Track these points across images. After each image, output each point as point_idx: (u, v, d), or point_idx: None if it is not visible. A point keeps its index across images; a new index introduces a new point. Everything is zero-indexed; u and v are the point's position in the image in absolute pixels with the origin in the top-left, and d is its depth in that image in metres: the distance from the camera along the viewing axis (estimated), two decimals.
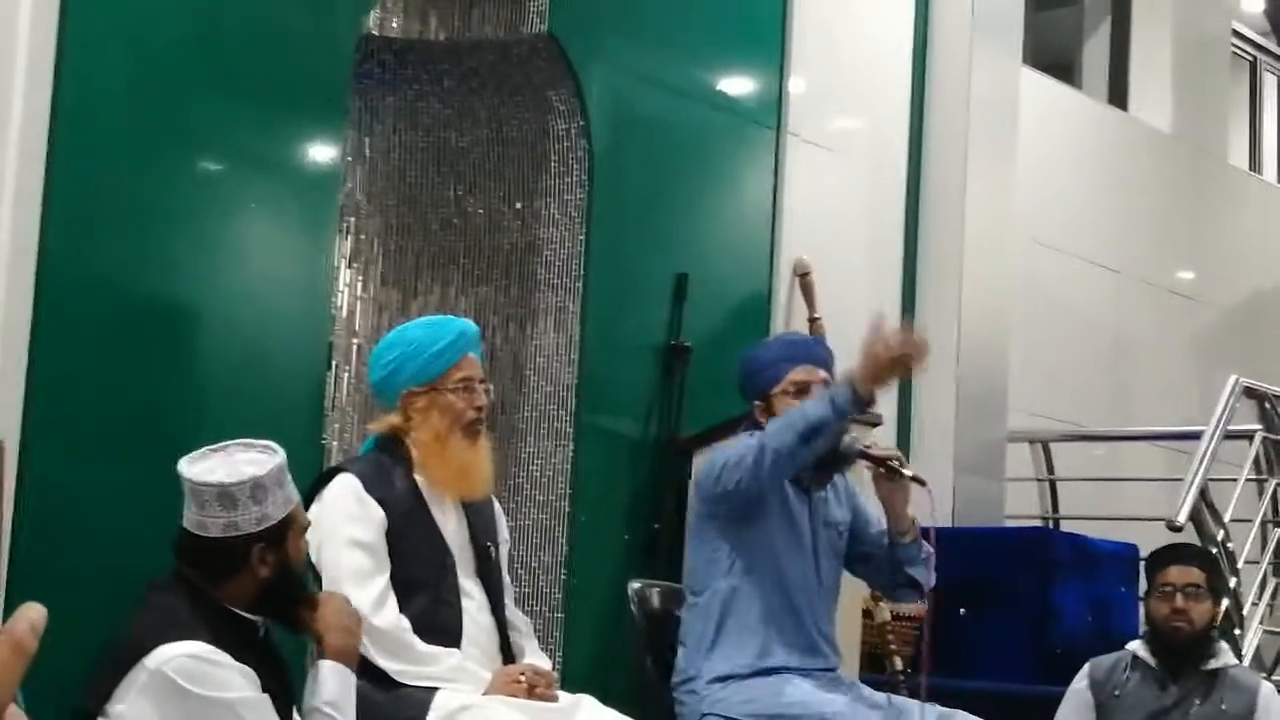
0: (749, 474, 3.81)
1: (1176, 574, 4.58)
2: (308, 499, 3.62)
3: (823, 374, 4.09)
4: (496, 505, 3.86)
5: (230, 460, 3.14)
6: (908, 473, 3.87)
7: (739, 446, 3.90)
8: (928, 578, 3.98)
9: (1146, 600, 4.67)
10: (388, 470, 3.62)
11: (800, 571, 4.02)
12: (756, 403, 4.14)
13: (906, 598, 4.22)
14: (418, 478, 3.64)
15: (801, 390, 4.04)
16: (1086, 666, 4.69)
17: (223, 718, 2.95)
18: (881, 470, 3.91)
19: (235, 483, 3.08)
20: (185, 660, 2.96)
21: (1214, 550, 6.07)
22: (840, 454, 3.93)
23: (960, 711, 3.86)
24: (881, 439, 5.82)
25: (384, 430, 3.69)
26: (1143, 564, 4.81)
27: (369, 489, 3.55)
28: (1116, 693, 4.59)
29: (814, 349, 4.23)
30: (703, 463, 4.15)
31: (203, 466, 3.13)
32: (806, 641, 3.99)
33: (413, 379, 3.63)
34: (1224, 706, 4.48)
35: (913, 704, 3.94)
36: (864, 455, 3.92)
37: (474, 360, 3.71)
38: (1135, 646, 4.66)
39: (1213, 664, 4.55)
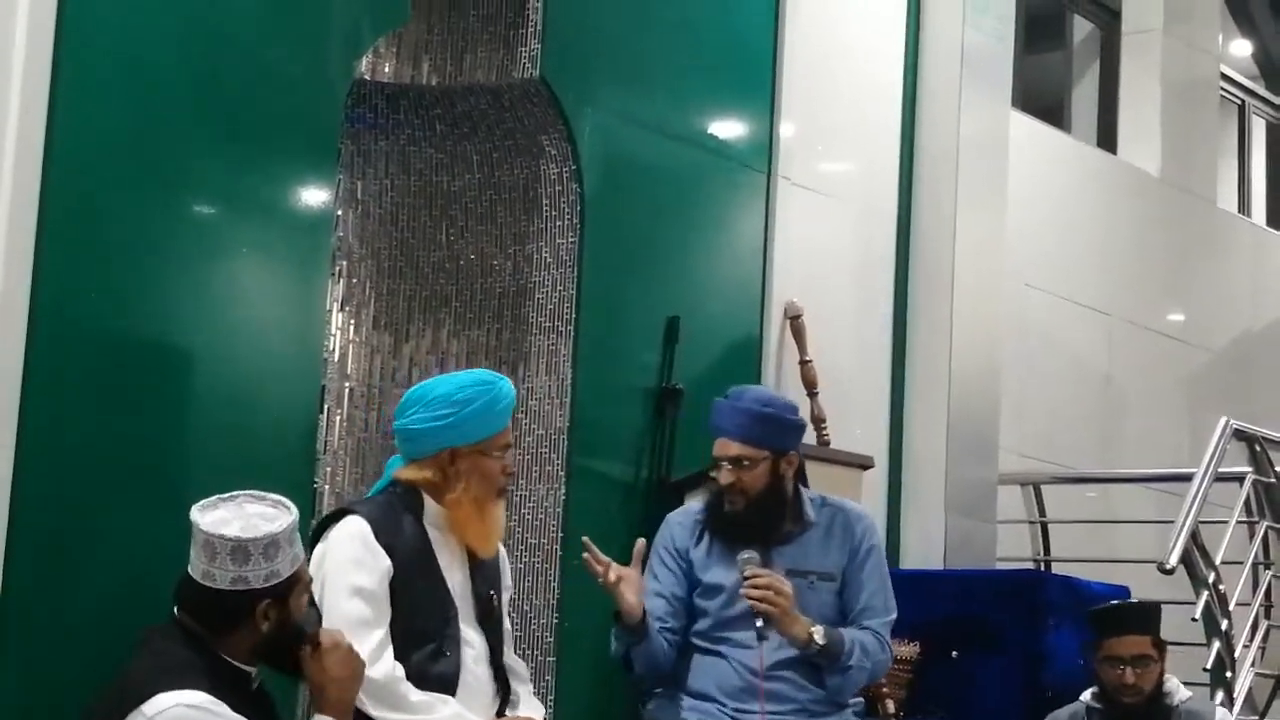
0: None
1: (1124, 646, 4.61)
2: (315, 536, 3.61)
3: (735, 447, 4.13)
4: (502, 553, 3.85)
5: (242, 512, 3.13)
6: (757, 623, 3.97)
7: None
8: (841, 689, 4.14)
9: (1095, 662, 4.69)
10: (398, 515, 3.59)
11: (730, 623, 4.12)
12: None
13: None
14: (427, 526, 3.62)
15: (715, 467, 4.17)
16: None
17: None
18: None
19: (251, 539, 3.08)
20: (184, 710, 2.95)
21: (1205, 593, 6.07)
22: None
23: None
24: (872, 482, 5.85)
25: (413, 480, 3.67)
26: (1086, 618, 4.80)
27: (378, 535, 3.52)
28: None
29: (721, 419, 4.22)
30: None
31: (215, 517, 3.12)
32: (739, 686, 4.09)
33: (462, 438, 3.61)
34: None
35: None
36: (743, 583, 4.02)
37: (509, 425, 3.72)
38: (1088, 698, 4.72)
39: (1166, 702, 4.62)
